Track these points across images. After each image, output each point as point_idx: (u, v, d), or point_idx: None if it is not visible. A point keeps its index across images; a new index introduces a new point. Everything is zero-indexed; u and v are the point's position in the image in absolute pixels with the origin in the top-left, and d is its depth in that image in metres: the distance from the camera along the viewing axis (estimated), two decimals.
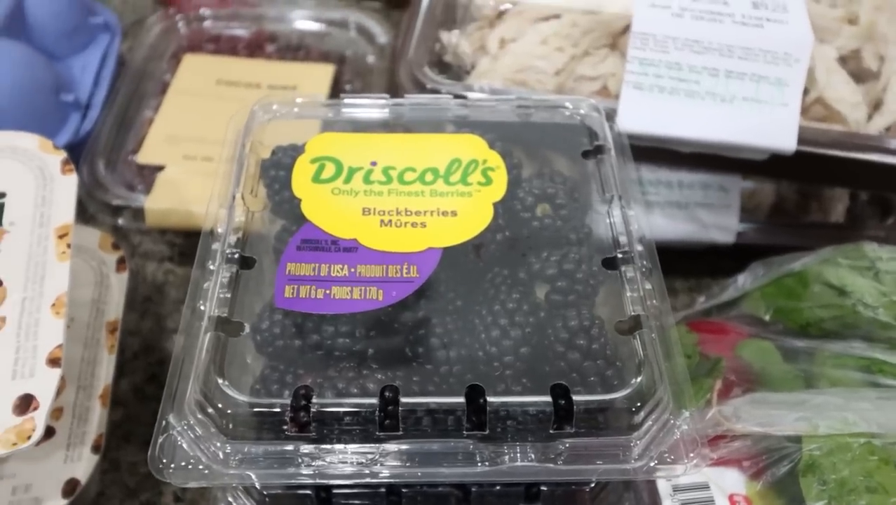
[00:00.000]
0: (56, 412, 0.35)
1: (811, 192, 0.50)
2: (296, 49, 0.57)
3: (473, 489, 0.33)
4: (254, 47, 0.57)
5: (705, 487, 0.31)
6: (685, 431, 0.28)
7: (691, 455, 0.27)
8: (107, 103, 0.52)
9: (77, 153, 0.48)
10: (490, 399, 0.27)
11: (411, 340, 0.29)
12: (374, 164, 0.34)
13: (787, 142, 0.39)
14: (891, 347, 0.34)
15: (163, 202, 0.46)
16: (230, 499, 0.33)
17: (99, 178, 0.47)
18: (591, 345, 0.29)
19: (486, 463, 0.27)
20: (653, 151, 0.42)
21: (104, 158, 0.49)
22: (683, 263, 0.47)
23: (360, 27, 0.59)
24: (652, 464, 0.28)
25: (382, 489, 0.33)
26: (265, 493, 0.32)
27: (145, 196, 0.46)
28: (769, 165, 0.42)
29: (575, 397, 0.27)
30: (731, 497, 0.31)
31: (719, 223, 0.46)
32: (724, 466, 0.32)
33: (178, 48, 0.57)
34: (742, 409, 0.32)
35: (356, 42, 0.58)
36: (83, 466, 0.34)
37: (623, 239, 0.32)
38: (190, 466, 0.27)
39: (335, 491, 0.33)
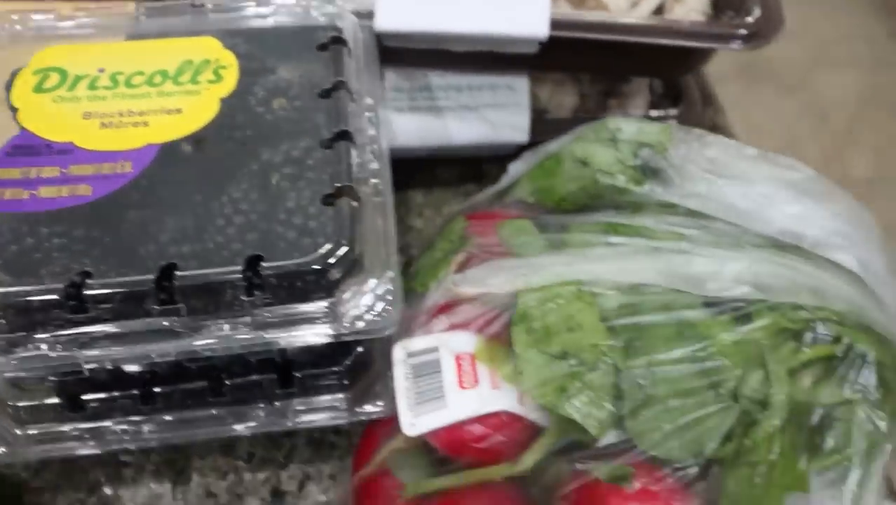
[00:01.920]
0: None
1: (612, 90, 0.51)
2: None
3: (227, 382, 0.34)
4: None
5: (434, 350, 0.32)
6: (389, 293, 0.29)
7: (392, 315, 0.29)
8: None
9: None
10: (179, 273, 0.27)
11: (116, 230, 0.29)
12: (101, 70, 0.34)
13: (539, 28, 0.40)
14: (629, 210, 0.35)
15: None
16: None
17: None
18: (290, 217, 0.29)
19: (185, 337, 0.28)
20: (430, 53, 0.43)
21: None
22: (494, 169, 0.48)
23: None
24: (356, 325, 0.29)
25: (136, 392, 0.33)
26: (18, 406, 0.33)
27: None
28: (541, 58, 0.42)
29: (264, 264, 0.28)
30: (457, 357, 0.31)
31: (511, 123, 0.46)
32: (456, 330, 0.32)
33: None
34: (470, 274, 0.33)
35: None
36: None
37: (351, 123, 0.33)
38: None
39: (88, 397, 0.33)
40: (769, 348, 0.30)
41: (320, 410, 0.35)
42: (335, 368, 0.35)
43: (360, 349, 0.35)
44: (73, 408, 0.33)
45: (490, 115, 0.46)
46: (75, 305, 0.27)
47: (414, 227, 0.50)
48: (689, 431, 0.28)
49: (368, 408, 0.35)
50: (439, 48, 0.43)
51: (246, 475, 0.40)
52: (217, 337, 0.28)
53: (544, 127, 0.46)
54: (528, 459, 0.30)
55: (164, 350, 0.28)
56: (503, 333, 0.31)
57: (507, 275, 0.33)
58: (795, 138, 1.67)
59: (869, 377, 0.30)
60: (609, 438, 0.29)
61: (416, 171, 0.52)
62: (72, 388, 0.33)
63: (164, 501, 0.39)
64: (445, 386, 0.31)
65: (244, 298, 0.28)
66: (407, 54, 0.43)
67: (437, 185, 0.52)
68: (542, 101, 0.50)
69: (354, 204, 0.29)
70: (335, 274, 0.28)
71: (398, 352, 0.32)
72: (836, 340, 0.31)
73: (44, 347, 0.27)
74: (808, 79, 1.75)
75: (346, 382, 0.35)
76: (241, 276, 0.27)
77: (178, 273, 0.27)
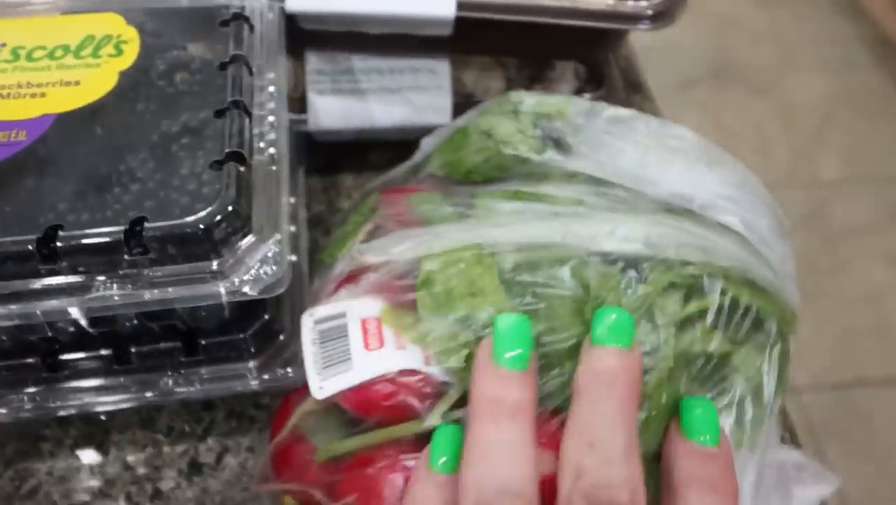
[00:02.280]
0: None
1: (538, 76, 0.52)
2: None
3: (133, 350, 0.35)
4: None
5: (341, 316, 0.32)
6: (278, 255, 0.30)
7: (279, 276, 0.29)
8: None
9: None
10: (63, 234, 0.28)
11: (6, 196, 0.30)
12: (3, 45, 0.34)
13: (447, 8, 0.41)
14: (533, 180, 0.36)
15: None
16: None
17: None
18: (182, 184, 0.30)
19: (73, 296, 0.28)
20: (348, 36, 0.44)
21: None
22: None
23: None
24: (243, 285, 0.29)
25: (40, 360, 0.34)
26: None
27: None
28: (456, 40, 0.43)
29: (147, 224, 0.28)
30: (363, 321, 0.32)
31: (434, 105, 0.47)
32: (362, 297, 0.33)
33: None
34: (375, 244, 0.34)
35: None
36: None
37: (245, 94, 0.34)
38: None
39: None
40: (658, 301, 0.31)
41: (228, 378, 0.36)
42: (241, 336, 0.35)
43: (266, 316, 0.36)
44: None
45: (413, 97, 0.47)
46: None
47: (343, 210, 0.51)
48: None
49: (278, 374, 0.35)
50: (356, 31, 0.44)
51: (164, 448, 0.41)
52: (102, 296, 0.28)
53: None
54: (434, 416, 0.30)
55: (50, 309, 0.28)
56: (407, 299, 0.32)
57: (411, 242, 0.33)
58: (765, 140, 1.69)
59: (752, 328, 0.32)
60: None
61: (347, 155, 0.53)
62: None
63: (82, 474, 0.40)
64: (352, 349, 0.31)
65: (127, 257, 0.28)
66: (326, 37, 0.44)
67: (367, 169, 0.53)
68: (467, 86, 0.51)
69: (242, 169, 0.30)
70: (218, 234, 0.29)
71: (305, 319, 0.32)
72: (722, 293, 0.32)
73: None
74: (778, 81, 1.77)
75: (253, 349, 0.36)
76: (122, 236, 0.28)
77: (61, 233, 0.28)
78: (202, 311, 0.33)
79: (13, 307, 0.28)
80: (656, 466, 0.30)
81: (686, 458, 0.28)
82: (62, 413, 0.35)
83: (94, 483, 0.40)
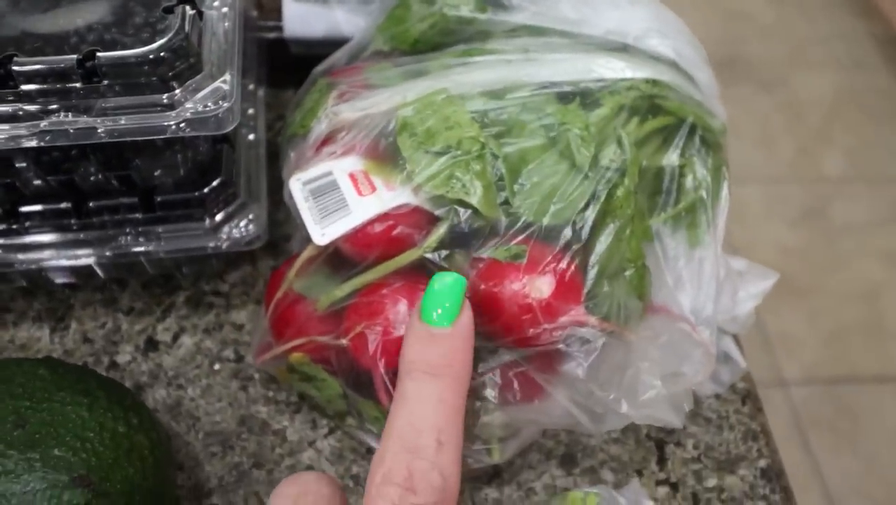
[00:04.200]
0: None
1: None
2: None
3: (91, 204, 0.35)
4: None
5: (329, 174, 0.33)
6: (227, 93, 0.30)
7: (228, 112, 0.30)
8: None
9: None
10: (19, 59, 0.29)
11: None
12: None
13: None
14: (476, 40, 0.37)
15: None
16: None
17: None
18: (137, 30, 0.31)
19: (27, 121, 0.29)
20: None
21: None
22: None
23: None
24: (192, 117, 0.30)
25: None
26: None
27: None
28: None
29: (100, 54, 0.29)
30: (350, 175, 0.33)
31: None
32: (344, 156, 0.34)
33: None
34: (346, 105, 0.35)
35: None
36: None
37: None
38: None
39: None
40: (616, 123, 0.33)
41: (186, 236, 0.36)
42: (196, 194, 0.36)
43: (222, 178, 0.37)
44: None
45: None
46: None
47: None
48: (562, 199, 0.31)
49: (235, 234, 0.36)
50: None
51: (123, 325, 0.41)
52: (56, 121, 0.29)
53: None
54: (431, 241, 0.31)
55: (6, 136, 0.29)
56: (386, 151, 0.33)
57: (382, 96, 0.34)
58: (770, 135, 1.69)
59: (697, 143, 0.35)
60: (498, 224, 0.31)
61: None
62: None
63: (42, 343, 0.41)
64: (346, 197, 0.32)
65: (80, 86, 0.29)
66: None
67: None
68: None
69: (191, 12, 0.31)
70: (168, 69, 0.29)
71: (293, 183, 0.33)
72: (670, 112, 0.34)
73: None
74: (785, 77, 1.77)
75: (210, 208, 0.36)
76: (75, 62, 0.29)
77: (17, 59, 0.29)
78: (158, 161, 0.34)
79: None
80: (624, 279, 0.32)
81: (412, 342, 0.27)
82: (19, 267, 0.36)
83: (54, 353, 0.40)
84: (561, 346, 0.30)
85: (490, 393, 0.32)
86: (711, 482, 0.39)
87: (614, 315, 0.32)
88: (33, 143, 0.29)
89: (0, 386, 0.29)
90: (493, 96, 0.33)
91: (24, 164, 0.32)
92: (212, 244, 0.36)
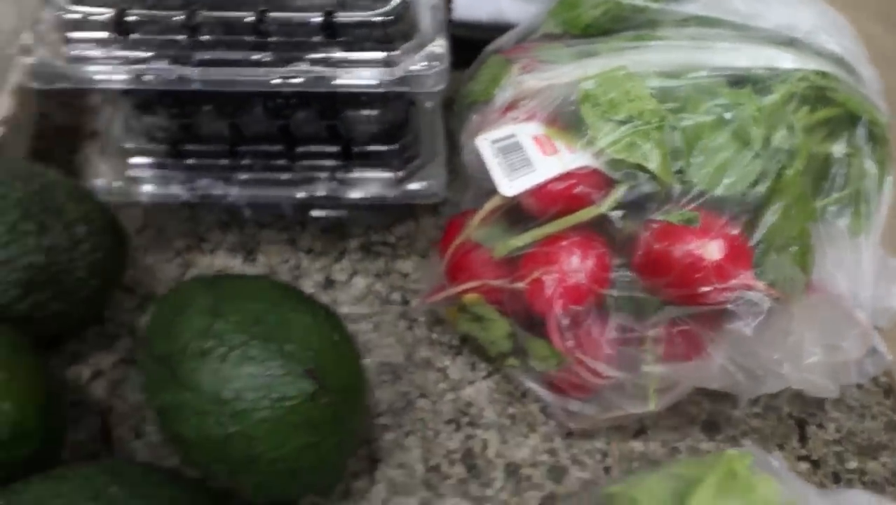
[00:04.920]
0: None
1: None
2: None
3: (299, 149, 0.40)
4: None
5: (513, 136, 0.37)
6: (439, 56, 0.34)
7: (439, 75, 0.34)
8: None
9: None
10: (272, 15, 0.34)
11: None
12: None
13: None
14: (645, 27, 0.39)
15: None
16: None
17: None
18: None
19: (271, 67, 0.34)
20: None
21: None
22: None
23: None
24: (409, 76, 0.34)
25: (226, 147, 0.40)
26: None
27: None
28: None
29: (339, 13, 0.33)
30: (534, 137, 0.36)
31: None
32: (526, 121, 0.37)
33: None
34: (530, 75, 0.38)
35: None
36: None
37: None
38: None
39: (188, 148, 0.40)
40: (788, 111, 0.35)
41: (374, 184, 0.41)
42: (387, 149, 0.40)
43: (407, 138, 0.41)
44: (176, 155, 0.40)
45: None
46: (190, 30, 0.33)
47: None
48: (734, 173, 0.33)
49: (416, 187, 0.40)
50: None
51: (304, 262, 0.46)
52: (296, 71, 0.33)
53: None
54: (610, 201, 0.34)
55: (256, 78, 0.34)
56: (568, 118, 0.36)
57: (565, 69, 0.37)
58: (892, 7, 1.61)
59: (864, 135, 0.36)
60: (672, 190, 0.34)
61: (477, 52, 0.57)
62: (176, 135, 0.40)
63: (235, 271, 0.46)
64: (531, 157, 0.36)
65: (322, 39, 0.33)
66: None
67: None
68: None
69: None
70: (390, 30, 0.33)
71: (481, 141, 0.37)
72: (837, 104, 0.36)
73: (165, 63, 0.34)
74: None
75: (395, 163, 0.40)
76: (320, 19, 0.33)
77: (270, 14, 0.33)
78: (362, 116, 0.38)
79: (225, 71, 0.34)
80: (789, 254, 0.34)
81: None
82: (233, 200, 0.41)
83: None
84: (730, 306, 0.33)
85: (653, 345, 0.34)
86: (853, 464, 0.40)
87: (780, 284, 0.34)
88: (277, 85, 0.34)
89: (238, 292, 0.34)
90: (669, 76, 0.36)
91: (255, 108, 0.37)
92: (397, 194, 0.40)
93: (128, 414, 0.40)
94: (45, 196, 0.37)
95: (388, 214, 0.47)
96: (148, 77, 0.34)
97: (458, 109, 0.43)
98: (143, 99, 0.37)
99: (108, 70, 0.34)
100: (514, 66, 0.40)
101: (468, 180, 0.41)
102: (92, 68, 0.34)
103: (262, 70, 0.33)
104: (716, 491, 0.33)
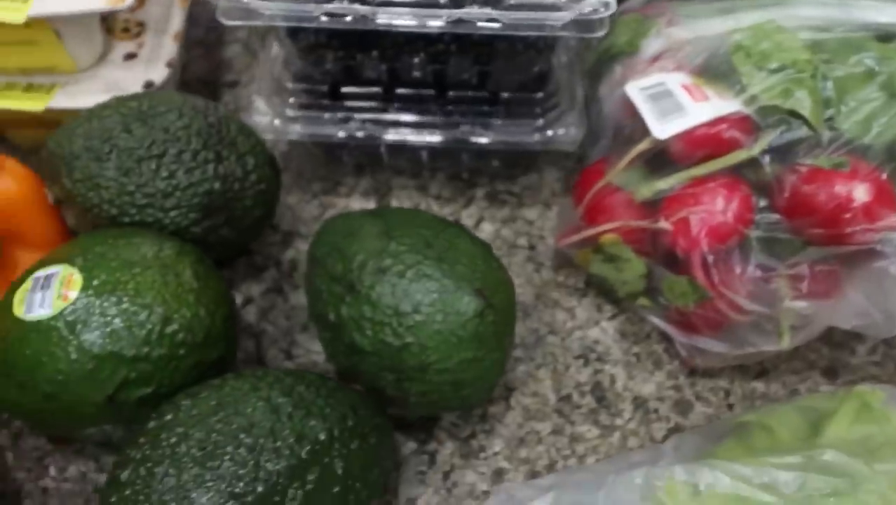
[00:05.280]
0: (139, 26, 0.47)
1: None
2: None
3: (450, 93, 0.42)
4: None
5: (662, 84, 0.39)
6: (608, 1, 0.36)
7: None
8: None
9: None
10: None
11: None
12: None
13: None
14: None
15: None
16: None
17: None
18: None
19: (441, 10, 0.36)
20: None
21: None
22: None
23: None
24: (573, 24, 0.36)
25: (382, 90, 0.42)
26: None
27: None
28: None
29: None
30: (683, 86, 0.38)
31: None
32: (675, 71, 0.39)
33: None
34: (678, 28, 0.40)
35: None
36: (158, 73, 0.46)
37: None
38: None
39: (346, 90, 0.43)
40: None
41: (517, 130, 0.43)
42: (532, 97, 0.42)
43: (550, 88, 0.43)
44: (334, 96, 0.43)
45: None
46: None
47: None
48: (882, 123, 0.35)
49: (556, 133, 0.42)
50: None
51: (434, 207, 0.49)
52: (468, 13, 0.36)
53: None
54: (761, 144, 0.36)
55: (424, 14, 0.36)
56: (718, 68, 0.38)
57: (710, 24, 0.39)
58: None
59: None
60: (822, 136, 0.36)
61: None
62: (336, 77, 0.42)
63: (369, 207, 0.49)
64: (682, 102, 0.38)
65: None
66: None
67: None
68: None
69: None
70: None
71: (631, 89, 0.39)
72: None
73: (345, 2, 0.36)
74: None
75: (539, 109, 0.43)
76: None
77: None
78: (515, 62, 0.40)
79: (402, 11, 0.36)
80: None
81: None
82: (381, 136, 0.44)
83: None
84: (876, 246, 0.34)
85: (794, 283, 0.36)
86: None
87: None
88: (442, 27, 0.36)
89: (404, 221, 0.36)
90: (817, 30, 0.38)
91: (416, 53, 0.40)
92: (538, 139, 0.42)
93: (277, 338, 0.43)
94: (220, 129, 0.40)
95: (515, 165, 0.49)
96: (325, 18, 0.37)
97: (592, 64, 0.46)
98: (311, 41, 0.40)
99: (291, 8, 0.36)
100: (659, 20, 0.42)
101: (600, 131, 0.44)
102: (275, 5, 0.37)
103: (441, 11, 0.36)
104: (852, 420, 0.35)
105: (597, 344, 0.43)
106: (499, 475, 0.39)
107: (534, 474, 0.39)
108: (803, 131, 0.35)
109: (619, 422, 0.41)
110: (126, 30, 0.47)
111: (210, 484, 0.29)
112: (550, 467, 0.39)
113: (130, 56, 0.46)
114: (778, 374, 0.42)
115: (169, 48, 0.46)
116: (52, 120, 0.43)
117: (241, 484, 0.29)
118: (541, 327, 0.44)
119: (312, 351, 0.43)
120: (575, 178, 0.44)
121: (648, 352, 0.43)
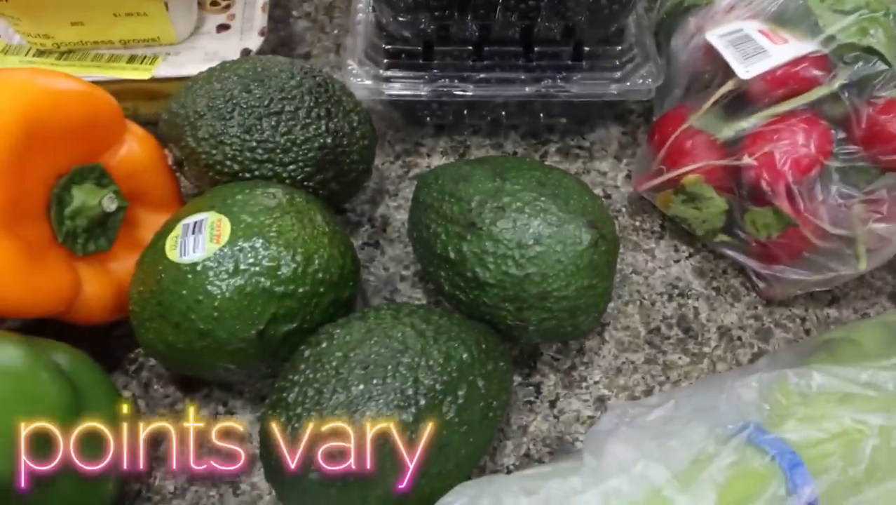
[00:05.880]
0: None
1: None
2: None
3: (536, 49, 0.45)
4: None
5: (741, 30, 0.42)
6: None
7: None
8: None
9: None
10: None
11: None
12: None
13: None
14: None
15: None
16: None
17: None
18: None
19: None
20: None
21: None
22: None
23: None
24: None
25: (472, 48, 0.45)
26: None
27: None
28: None
29: None
30: (760, 31, 0.41)
31: None
32: (750, 19, 0.42)
33: None
34: None
35: None
36: (253, 42, 0.48)
37: None
38: None
39: (438, 49, 0.45)
40: None
41: (597, 82, 0.46)
42: (612, 49, 0.45)
43: (628, 42, 0.46)
44: (426, 56, 0.45)
45: None
46: None
47: None
48: None
49: (636, 83, 0.45)
50: None
51: None
52: None
53: None
54: (840, 79, 0.39)
55: None
56: (793, 13, 0.41)
57: None
58: None
59: None
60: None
61: None
62: (429, 37, 0.45)
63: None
64: (763, 45, 0.41)
65: None
66: None
67: None
68: None
69: None
70: None
71: (711, 36, 0.42)
72: None
73: None
74: None
75: (618, 62, 0.46)
76: None
77: None
78: (597, 17, 0.43)
79: None
80: None
81: None
82: (477, 95, 0.46)
83: None
84: None
85: (873, 208, 0.39)
86: None
87: None
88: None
89: (512, 165, 0.39)
90: None
91: (508, 11, 0.42)
92: (615, 88, 0.45)
93: (380, 287, 0.46)
94: (327, 87, 0.42)
95: (583, 122, 0.52)
96: None
97: (661, 19, 0.49)
98: (410, 3, 0.42)
99: None
100: None
101: (673, 81, 0.47)
102: None
103: None
104: None
105: (678, 280, 0.46)
106: (601, 401, 0.42)
107: (633, 399, 0.42)
108: (879, 66, 0.39)
109: (706, 350, 0.44)
110: (215, 3, 0.50)
111: (380, 399, 0.31)
112: (648, 392, 0.42)
113: (223, 27, 0.49)
114: (848, 300, 0.46)
115: (260, 18, 0.49)
116: (153, 91, 0.46)
117: (406, 398, 0.32)
118: (624, 268, 0.47)
119: (414, 298, 0.46)
120: (648, 129, 0.47)
121: (726, 286, 0.46)
